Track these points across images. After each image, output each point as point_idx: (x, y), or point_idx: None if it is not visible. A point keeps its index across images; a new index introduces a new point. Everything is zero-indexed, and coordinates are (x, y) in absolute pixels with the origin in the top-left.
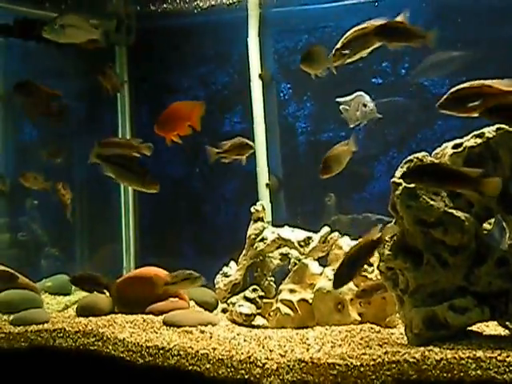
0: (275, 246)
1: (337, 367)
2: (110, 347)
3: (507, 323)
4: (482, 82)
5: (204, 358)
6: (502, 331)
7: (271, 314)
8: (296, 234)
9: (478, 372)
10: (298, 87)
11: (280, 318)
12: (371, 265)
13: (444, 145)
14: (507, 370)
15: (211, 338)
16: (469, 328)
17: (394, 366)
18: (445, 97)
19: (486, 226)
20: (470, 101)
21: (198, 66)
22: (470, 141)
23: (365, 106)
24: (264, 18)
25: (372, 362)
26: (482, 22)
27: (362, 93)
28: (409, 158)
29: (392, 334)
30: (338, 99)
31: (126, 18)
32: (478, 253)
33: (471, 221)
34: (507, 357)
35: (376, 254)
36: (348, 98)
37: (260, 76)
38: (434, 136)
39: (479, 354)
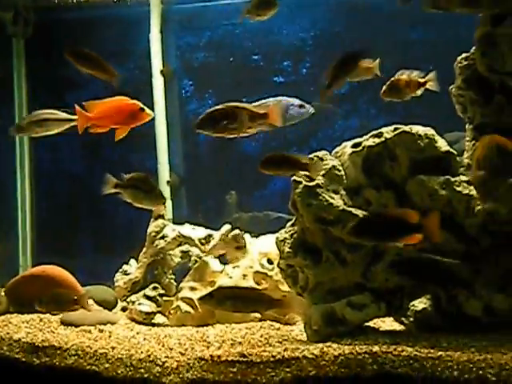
0: (176, 244)
1: (237, 365)
2: (5, 348)
3: (402, 319)
4: (236, 104)
5: (103, 357)
6: (397, 326)
7: (171, 312)
8: (197, 232)
9: (375, 367)
10: (200, 84)
11: (180, 315)
12: (271, 262)
13: (343, 144)
14: (402, 364)
15: (110, 337)
16: (366, 324)
17: (294, 362)
18: (201, 117)
19: None
20: (225, 120)
21: None
22: (368, 140)
23: (301, 106)
24: (166, 15)
25: (271, 359)
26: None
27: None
28: (309, 156)
29: (292, 330)
30: None
31: (23, 9)
32: (375, 250)
33: None
34: (402, 351)
35: (276, 252)
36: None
37: (162, 72)
38: (335, 135)
39: (375, 349)
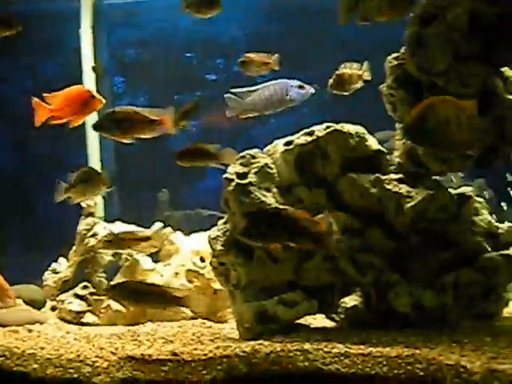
0: None
1: (168, 363)
2: None
3: (333, 315)
4: (133, 108)
5: (31, 357)
6: (328, 323)
7: (102, 310)
8: (128, 230)
9: (306, 363)
10: (133, 81)
11: (111, 314)
12: (204, 260)
13: (275, 142)
14: (332, 360)
15: (39, 336)
16: (298, 321)
17: (225, 360)
18: (99, 118)
19: None
20: (123, 122)
21: (27, 56)
22: (300, 138)
23: (301, 87)
24: (98, 10)
25: (203, 357)
26: None
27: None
28: (241, 154)
29: (223, 328)
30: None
31: None
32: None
33: None
34: (333, 348)
35: (209, 250)
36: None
37: (93, 68)
38: (267, 133)
39: (307, 346)
